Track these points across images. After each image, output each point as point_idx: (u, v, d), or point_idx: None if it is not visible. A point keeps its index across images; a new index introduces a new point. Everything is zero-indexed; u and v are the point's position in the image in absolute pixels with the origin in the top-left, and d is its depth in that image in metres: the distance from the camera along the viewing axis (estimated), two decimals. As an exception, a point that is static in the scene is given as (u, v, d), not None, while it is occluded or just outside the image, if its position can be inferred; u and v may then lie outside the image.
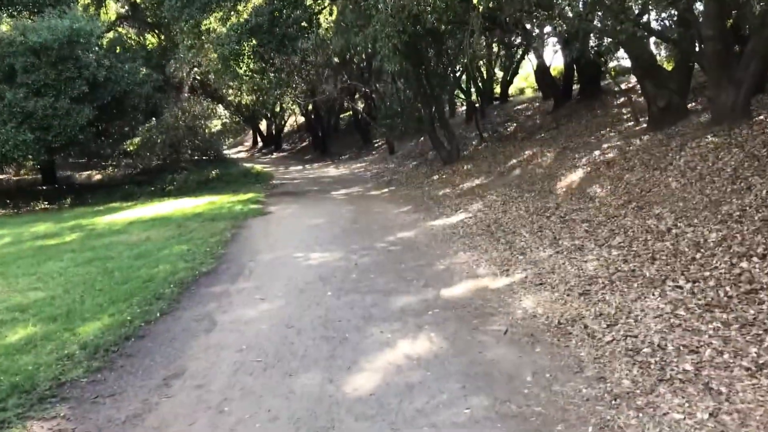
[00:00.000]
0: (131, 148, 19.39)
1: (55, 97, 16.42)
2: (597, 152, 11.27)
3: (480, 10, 10.27)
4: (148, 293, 6.45)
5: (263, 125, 41.23)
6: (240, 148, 47.21)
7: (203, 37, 15.22)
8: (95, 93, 17.39)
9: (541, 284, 5.94)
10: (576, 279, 5.83)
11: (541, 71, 20.83)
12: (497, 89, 26.11)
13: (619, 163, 9.87)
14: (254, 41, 14.23)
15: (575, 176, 10.32)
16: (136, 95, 18.23)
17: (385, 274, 6.92)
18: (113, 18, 22.72)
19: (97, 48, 18.32)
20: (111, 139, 19.76)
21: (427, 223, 10.41)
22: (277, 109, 34.00)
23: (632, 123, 13.33)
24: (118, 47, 19.45)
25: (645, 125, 11.71)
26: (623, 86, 19.54)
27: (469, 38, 10.60)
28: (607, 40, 11.87)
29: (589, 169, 10.34)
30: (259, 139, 43.25)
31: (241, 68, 15.22)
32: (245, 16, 14.17)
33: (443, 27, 11.62)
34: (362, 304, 5.85)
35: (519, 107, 23.38)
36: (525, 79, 30.40)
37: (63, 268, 8.22)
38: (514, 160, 14.17)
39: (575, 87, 19.63)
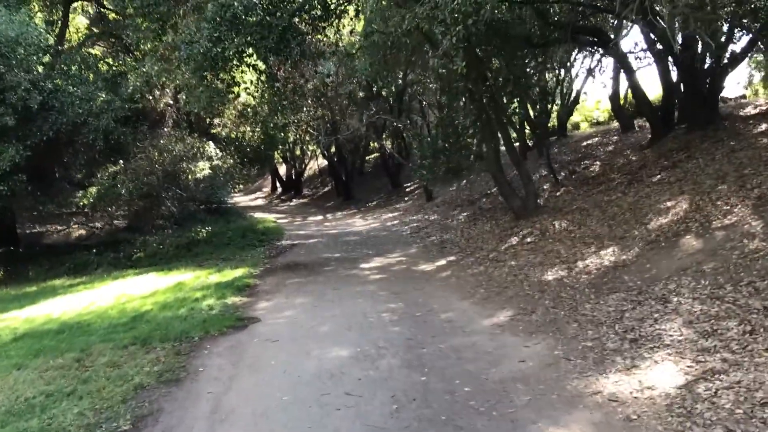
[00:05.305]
0: (85, 202, 14.13)
1: (-39, 132, 11.36)
2: None
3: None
4: None
5: (283, 169, 36.32)
6: (258, 194, 42.68)
7: (171, 38, 10.04)
8: (27, 126, 12.26)
9: None
10: None
11: (630, 95, 15.37)
12: (552, 121, 20.74)
13: None
14: (238, 39, 8.97)
15: None
16: (92, 129, 13.07)
17: None
18: (81, 37, 17.81)
19: (41, 65, 13.33)
20: (54, 190, 14.48)
21: (594, 388, 4.54)
22: (297, 151, 28.92)
23: None
24: (74, 66, 14.29)
25: None
26: (752, 110, 14.20)
27: None
28: None
29: None
30: (278, 184, 38.26)
31: (222, 82, 9.92)
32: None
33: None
34: None
35: (588, 142, 18.12)
36: (578, 111, 25.20)
37: None
38: (662, 219, 8.54)
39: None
